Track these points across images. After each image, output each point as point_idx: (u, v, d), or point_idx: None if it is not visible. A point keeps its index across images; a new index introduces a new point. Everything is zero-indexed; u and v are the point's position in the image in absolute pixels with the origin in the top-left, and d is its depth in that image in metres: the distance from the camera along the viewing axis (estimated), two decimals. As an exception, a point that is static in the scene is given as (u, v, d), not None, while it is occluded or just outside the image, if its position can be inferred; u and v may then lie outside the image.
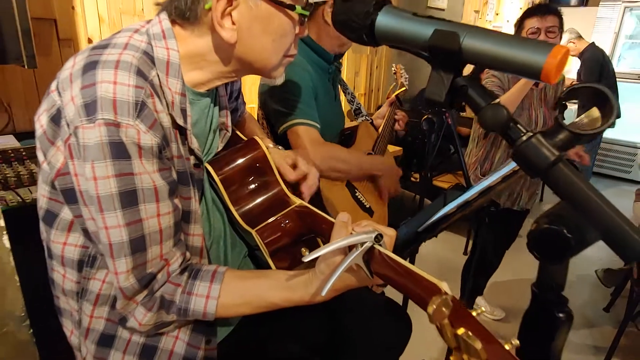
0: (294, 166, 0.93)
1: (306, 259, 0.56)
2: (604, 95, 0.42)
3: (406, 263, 0.52)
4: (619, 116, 4.18)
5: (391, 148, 2.55)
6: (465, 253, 3.06)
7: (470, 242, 3.00)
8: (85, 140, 0.56)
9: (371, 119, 1.66)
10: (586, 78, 4.01)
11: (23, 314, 0.76)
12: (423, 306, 0.46)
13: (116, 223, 0.58)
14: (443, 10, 3.77)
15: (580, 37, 4.03)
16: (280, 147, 0.99)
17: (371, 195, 1.44)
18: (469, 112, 3.23)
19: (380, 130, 1.60)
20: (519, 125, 0.45)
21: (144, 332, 0.67)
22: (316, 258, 0.59)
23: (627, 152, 4.96)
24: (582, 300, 2.59)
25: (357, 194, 1.40)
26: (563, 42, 3.93)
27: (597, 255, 3.12)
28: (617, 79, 5.04)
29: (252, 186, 0.85)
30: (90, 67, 0.58)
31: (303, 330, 0.89)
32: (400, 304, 1.07)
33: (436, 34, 0.48)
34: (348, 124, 1.62)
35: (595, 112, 0.44)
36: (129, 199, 0.58)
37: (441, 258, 2.98)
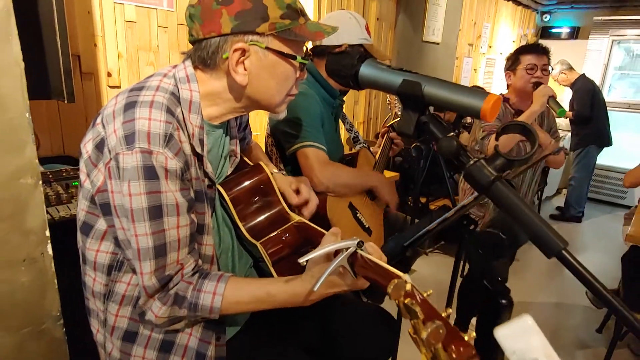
0: (297, 191, 1.07)
1: (302, 260, 0.68)
2: (528, 129, 0.55)
3: (383, 264, 0.64)
4: (610, 144, 4.32)
5: (388, 174, 2.69)
6: (461, 275, 3.14)
7: (467, 266, 3.09)
8: (124, 164, 0.69)
9: (368, 145, 1.80)
10: (579, 107, 4.18)
11: (58, 314, 0.87)
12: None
13: (144, 232, 0.71)
14: (437, 44, 3.98)
15: (571, 68, 4.23)
16: (284, 172, 1.12)
17: (370, 217, 1.57)
18: (462, 140, 3.38)
19: (377, 156, 1.74)
20: (467, 153, 0.58)
21: (159, 324, 0.78)
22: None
23: (621, 178, 5.06)
24: (575, 322, 2.65)
25: (358, 215, 1.52)
26: (555, 72, 4.13)
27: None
28: (608, 108, 5.24)
29: (257, 205, 0.98)
30: (130, 106, 0.72)
31: (300, 332, 0.99)
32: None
33: (404, 83, 0.62)
34: (347, 151, 1.76)
35: (534, 142, 0.57)
36: (156, 212, 0.71)
37: (440, 280, 3.05)
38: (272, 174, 1.03)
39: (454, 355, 0.41)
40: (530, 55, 1.95)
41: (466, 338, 0.42)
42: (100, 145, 0.73)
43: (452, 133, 0.59)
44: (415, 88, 0.60)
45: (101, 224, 0.79)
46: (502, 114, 1.96)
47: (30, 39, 0.78)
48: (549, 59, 1.96)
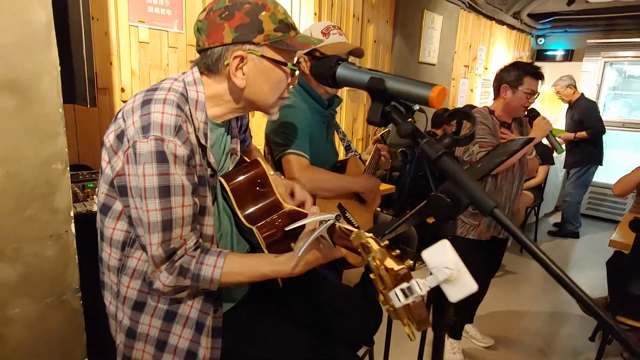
0: (292, 193, 1.19)
1: (288, 228, 0.80)
2: (467, 113, 0.68)
3: (355, 229, 0.76)
4: (600, 163, 4.44)
5: (385, 186, 2.81)
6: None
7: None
8: (141, 150, 0.82)
9: (359, 154, 1.93)
10: (594, 123, 4.27)
11: (77, 287, 0.98)
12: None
13: (154, 207, 0.84)
14: (434, 65, 4.16)
15: (576, 86, 4.40)
16: (280, 175, 1.26)
17: (359, 217, 1.68)
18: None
19: (367, 163, 1.87)
20: (421, 134, 0.71)
21: (165, 292, 0.90)
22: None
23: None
24: (568, 331, 2.71)
25: (347, 215, 1.64)
26: (562, 85, 4.27)
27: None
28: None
29: (254, 195, 1.10)
30: (146, 102, 0.86)
31: (291, 310, 1.10)
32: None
33: (371, 79, 0.75)
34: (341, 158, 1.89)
35: (473, 125, 0.70)
36: (165, 191, 0.84)
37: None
38: (270, 173, 1.16)
39: (392, 273, 0.53)
40: (534, 80, 1.99)
41: (404, 265, 0.54)
42: (120, 136, 0.87)
43: (410, 119, 0.72)
44: (379, 83, 0.74)
45: (118, 205, 0.92)
46: (492, 125, 2.06)
47: (62, 50, 0.93)
48: None
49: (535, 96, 2.04)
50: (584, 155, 4.36)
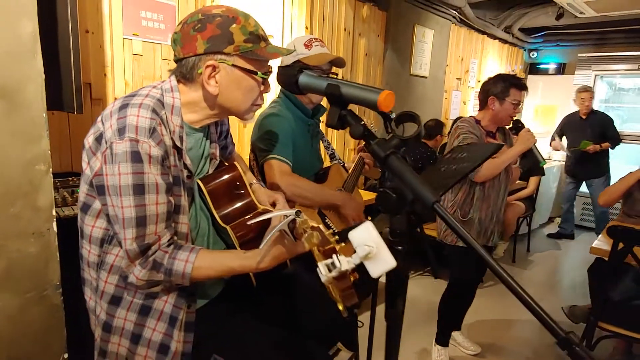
0: (274, 204, 1.25)
1: (251, 222, 0.85)
2: (412, 115, 0.74)
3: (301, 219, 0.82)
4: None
5: (368, 195, 2.86)
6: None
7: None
8: (116, 150, 0.88)
9: (343, 162, 1.99)
10: (615, 132, 4.42)
11: (58, 283, 1.03)
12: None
13: (129, 204, 0.89)
14: (425, 77, 4.25)
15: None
16: (262, 185, 1.31)
17: (338, 222, 1.73)
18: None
19: (350, 171, 1.93)
20: (372, 135, 0.76)
21: (139, 286, 0.95)
22: None
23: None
24: (552, 340, 2.72)
25: (327, 220, 1.69)
26: (586, 95, 4.34)
27: (566, 295, 3.29)
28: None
29: (230, 196, 1.16)
30: (123, 107, 0.92)
31: (264, 307, 1.15)
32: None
33: (328, 86, 0.82)
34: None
35: (413, 126, 0.76)
36: (139, 189, 0.90)
37: (427, 301, 3.15)
38: (251, 184, 1.22)
39: (321, 251, 0.59)
40: (519, 91, 2.09)
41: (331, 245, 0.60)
42: (99, 138, 0.93)
43: (362, 121, 0.78)
44: (335, 89, 0.80)
45: (97, 204, 0.98)
46: (479, 134, 2.13)
47: (50, 60, 1.00)
48: None
49: (518, 105, 2.12)
50: (605, 164, 4.51)
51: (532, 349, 2.62)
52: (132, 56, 2.29)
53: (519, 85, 2.09)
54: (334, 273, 0.58)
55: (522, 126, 2.16)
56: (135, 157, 0.89)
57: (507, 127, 2.27)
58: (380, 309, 0.72)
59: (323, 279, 0.59)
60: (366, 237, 0.58)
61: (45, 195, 0.98)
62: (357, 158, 1.97)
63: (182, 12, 2.40)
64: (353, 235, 0.59)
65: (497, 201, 2.20)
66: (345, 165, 2.00)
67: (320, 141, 1.99)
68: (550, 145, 4.87)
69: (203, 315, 1.05)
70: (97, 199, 0.97)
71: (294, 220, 0.86)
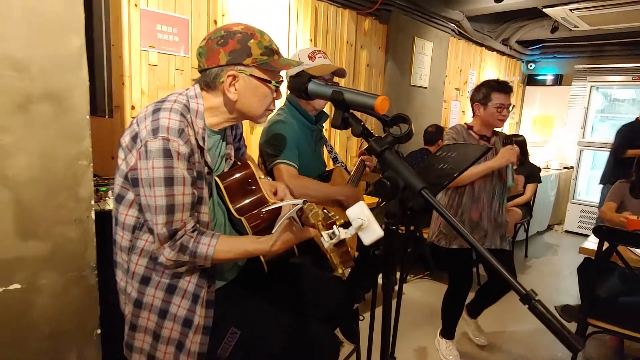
0: (275, 193, 1.39)
1: (265, 209, 0.99)
2: (402, 117, 0.88)
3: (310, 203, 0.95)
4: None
5: (370, 200, 3.00)
6: (447, 298, 3.34)
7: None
8: (151, 147, 1.03)
9: (345, 165, 2.14)
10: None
11: (94, 265, 1.17)
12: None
13: (160, 194, 1.03)
14: (425, 88, 4.41)
15: None
16: (269, 178, 1.46)
17: (342, 216, 1.87)
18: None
19: (352, 173, 2.07)
20: (370, 133, 0.91)
21: (168, 266, 1.08)
22: None
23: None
24: (551, 340, 2.82)
25: (330, 215, 1.83)
26: None
27: (562, 297, 3.39)
28: (592, 149, 5.55)
29: (244, 191, 1.30)
30: (156, 110, 1.07)
31: (275, 290, 1.29)
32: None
33: (333, 92, 0.96)
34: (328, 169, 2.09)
35: (405, 126, 0.90)
36: (169, 181, 1.04)
37: (427, 303, 3.27)
38: (259, 176, 1.36)
39: (324, 224, 0.73)
40: (500, 94, 2.14)
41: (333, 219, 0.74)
42: (134, 137, 1.08)
43: (362, 122, 0.93)
44: (339, 95, 0.95)
45: (130, 195, 1.12)
46: (465, 139, 2.25)
47: (88, 70, 1.15)
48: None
49: (509, 108, 2.19)
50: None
51: (529, 349, 2.72)
52: (148, 66, 2.45)
53: (500, 88, 2.15)
54: (334, 240, 0.72)
55: (510, 143, 2.20)
56: (167, 153, 1.03)
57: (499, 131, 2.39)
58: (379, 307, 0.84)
59: (326, 245, 0.73)
60: (359, 212, 0.73)
61: (85, 187, 1.12)
62: (358, 161, 2.11)
63: (195, 26, 2.56)
64: (349, 211, 0.74)
65: (491, 204, 2.29)
66: (347, 168, 2.14)
67: (324, 146, 2.14)
68: (626, 155, 4.47)
69: (221, 295, 1.19)
70: (131, 191, 1.11)
71: (301, 209, 0.99)
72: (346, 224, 0.81)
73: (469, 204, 2.26)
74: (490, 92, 2.17)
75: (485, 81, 2.26)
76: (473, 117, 2.34)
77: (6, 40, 0.93)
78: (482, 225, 2.29)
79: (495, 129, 2.34)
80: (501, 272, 0.73)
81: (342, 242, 0.76)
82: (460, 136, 2.24)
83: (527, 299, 0.71)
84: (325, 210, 0.84)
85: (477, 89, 2.25)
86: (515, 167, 2.18)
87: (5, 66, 0.93)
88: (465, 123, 2.36)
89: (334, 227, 0.76)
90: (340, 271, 0.75)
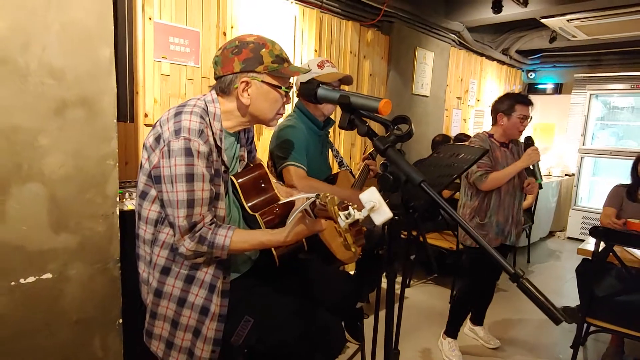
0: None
1: (281, 202, 1.08)
2: (404, 118, 0.97)
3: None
4: None
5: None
6: (450, 301, 3.40)
7: (454, 292, 3.37)
8: (173, 147, 1.12)
9: (350, 169, 2.23)
10: None
11: (118, 258, 1.26)
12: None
13: (182, 189, 1.13)
14: (427, 97, 4.51)
15: None
16: (281, 183, 1.55)
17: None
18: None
19: (357, 176, 2.16)
20: (375, 133, 1.00)
21: (187, 256, 1.17)
22: None
23: (610, 220, 5.34)
24: (552, 340, 2.89)
25: None
26: None
27: (564, 301, 3.44)
28: (592, 156, 5.62)
29: (257, 190, 1.40)
30: (178, 113, 1.17)
31: (285, 282, 1.37)
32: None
33: (340, 97, 1.06)
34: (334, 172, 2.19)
35: (406, 126, 1.00)
36: (190, 177, 1.13)
37: (430, 306, 3.33)
38: (273, 181, 1.46)
39: (339, 208, 0.82)
40: (524, 106, 2.34)
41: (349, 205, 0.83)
42: (158, 138, 1.18)
43: (367, 123, 1.02)
44: (345, 99, 1.04)
45: (153, 192, 1.22)
46: (490, 147, 2.38)
47: (114, 78, 1.25)
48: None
49: (529, 120, 2.37)
50: None
51: (529, 349, 2.78)
52: (161, 76, 2.56)
53: (524, 101, 2.34)
54: (350, 220, 0.82)
55: (532, 144, 2.40)
56: (188, 152, 1.13)
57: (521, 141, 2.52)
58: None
59: (342, 224, 0.83)
60: (371, 196, 0.82)
61: (112, 184, 1.22)
62: (362, 165, 2.21)
63: (205, 37, 2.68)
64: (362, 196, 0.83)
65: (512, 205, 2.44)
66: (352, 172, 2.23)
67: (330, 150, 2.24)
68: None
69: (236, 285, 1.28)
70: (154, 187, 1.21)
71: (313, 202, 1.08)
72: (359, 209, 0.91)
73: (496, 207, 2.39)
74: (514, 103, 2.33)
75: (509, 93, 2.44)
76: (494, 125, 2.48)
77: (46, 51, 1.04)
78: (506, 225, 2.43)
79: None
80: (492, 255, 0.81)
81: (355, 223, 0.86)
82: (485, 143, 2.39)
83: (515, 277, 0.79)
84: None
85: (501, 100, 2.40)
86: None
87: (45, 74, 1.04)
88: (485, 132, 2.48)
89: (349, 208, 0.85)
90: (353, 249, 0.84)
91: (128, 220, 1.41)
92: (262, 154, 2.97)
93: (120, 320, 1.31)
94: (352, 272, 2.46)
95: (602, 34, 4.58)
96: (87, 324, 1.24)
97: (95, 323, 1.26)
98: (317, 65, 1.93)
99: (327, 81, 1.85)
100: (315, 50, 3.34)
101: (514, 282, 0.80)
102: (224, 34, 2.77)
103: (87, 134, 1.17)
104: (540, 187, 4.40)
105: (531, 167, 2.35)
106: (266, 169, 1.44)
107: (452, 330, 2.57)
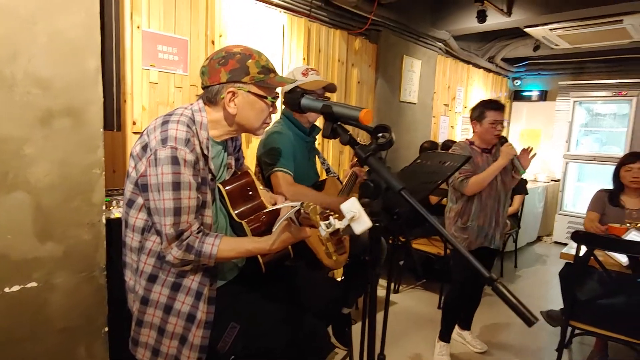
0: (274, 204, 1.50)
1: (267, 210, 1.10)
2: (384, 127, 1.00)
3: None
4: None
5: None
6: (439, 307, 3.43)
7: (442, 297, 3.40)
8: (160, 155, 1.14)
9: (337, 175, 2.26)
10: None
11: (104, 266, 1.27)
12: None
13: (169, 197, 1.14)
14: (414, 104, 4.58)
15: None
16: (267, 189, 1.57)
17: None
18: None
19: (344, 183, 2.19)
20: (356, 141, 1.03)
21: (175, 264, 1.18)
22: None
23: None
24: (538, 344, 2.93)
25: None
26: None
27: (550, 305, 3.50)
28: (577, 162, 5.73)
29: (244, 197, 1.41)
30: (165, 122, 1.18)
31: (272, 289, 1.39)
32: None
33: (323, 106, 1.09)
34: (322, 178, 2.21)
35: (387, 135, 1.02)
36: (177, 186, 1.15)
37: (419, 312, 3.36)
38: (260, 188, 1.47)
39: (321, 217, 0.84)
40: (494, 111, 2.41)
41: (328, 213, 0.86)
42: (145, 147, 1.19)
43: (349, 132, 1.05)
44: (328, 108, 1.07)
45: (140, 200, 1.23)
46: (472, 153, 2.43)
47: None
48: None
49: (502, 124, 2.42)
50: None
51: (515, 352, 2.82)
52: (149, 84, 2.57)
53: (493, 106, 2.42)
54: (330, 229, 0.84)
55: (505, 141, 2.47)
56: (175, 160, 1.14)
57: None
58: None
59: (323, 233, 0.85)
60: (351, 206, 0.84)
61: (98, 193, 1.22)
62: (350, 172, 2.24)
63: (193, 46, 2.70)
64: (343, 206, 0.86)
65: (495, 208, 2.48)
66: (340, 178, 2.26)
67: (317, 157, 2.27)
68: None
69: (222, 292, 1.29)
70: (140, 196, 1.22)
71: (298, 211, 1.11)
72: (340, 219, 0.93)
73: (477, 211, 2.44)
74: (484, 110, 2.43)
75: (480, 101, 2.51)
76: (473, 133, 2.53)
77: (32, 61, 1.05)
78: (487, 229, 2.47)
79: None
80: (469, 258, 0.84)
81: (336, 232, 0.88)
82: (466, 150, 2.45)
83: (490, 280, 0.82)
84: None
85: (474, 108, 2.49)
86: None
87: (31, 84, 1.05)
88: (467, 139, 2.54)
89: (330, 218, 0.87)
90: (334, 258, 0.86)
91: (115, 228, 1.41)
92: (251, 161, 2.99)
93: (106, 329, 1.31)
94: (340, 279, 2.48)
95: (584, 43, 4.70)
96: (72, 333, 1.24)
97: (80, 331, 1.26)
98: (302, 73, 1.96)
99: (311, 89, 1.88)
100: (304, 59, 3.38)
101: (489, 285, 0.83)
102: (213, 42, 2.79)
103: (73, 143, 1.18)
104: (526, 191, 4.51)
105: (512, 163, 2.41)
106: (253, 176, 1.46)
107: (444, 335, 2.61)
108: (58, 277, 1.19)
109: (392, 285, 3.78)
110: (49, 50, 1.10)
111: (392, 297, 3.61)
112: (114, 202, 1.86)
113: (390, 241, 3.56)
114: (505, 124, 2.48)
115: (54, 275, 1.19)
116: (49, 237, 1.17)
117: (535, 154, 2.53)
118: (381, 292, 3.47)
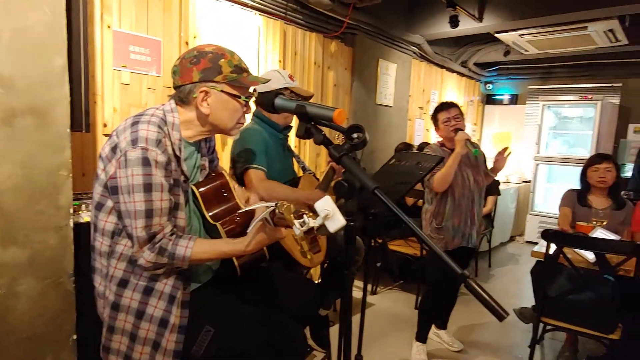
0: (247, 201, 1.49)
1: (241, 210, 1.09)
2: (358, 127, 1.01)
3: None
4: None
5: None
6: (416, 307, 3.47)
7: (419, 298, 3.44)
8: (130, 157, 1.11)
9: (313, 172, 2.26)
10: None
11: (72, 272, 1.22)
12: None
13: (140, 199, 1.11)
14: (390, 107, 4.63)
15: None
16: (242, 188, 1.55)
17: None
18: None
19: (321, 179, 2.19)
20: (330, 142, 1.03)
21: (147, 267, 1.15)
22: None
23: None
24: (511, 341, 3.00)
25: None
26: None
27: (524, 302, 3.59)
28: (546, 163, 5.91)
29: (219, 199, 1.39)
30: (135, 123, 1.16)
31: (247, 291, 1.37)
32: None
33: (296, 107, 1.09)
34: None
35: (361, 135, 1.03)
36: (148, 187, 1.12)
37: (396, 312, 3.38)
38: (234, 187, 1.46)
39: (295, 216, 0.84)
40: (442, 112, 2.53)
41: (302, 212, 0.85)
42: (114, 148, 1.16)
43: (323, 132, 1.05)
44: (302, 109, 1.07)
45: (109, 203, 1.19)
46: (443, 154, 2.47)
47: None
48: (459, 109, 2.52)
49: (455, 119, 2.47)
50: None
51: (491, 350, 2.87)
52: (121, 85, 2.51)
53: (441, 107, 2.55)
54: (304, 228, 0.84)
55: (457, 130, 2.48)
56: (146, 162, 1.12)
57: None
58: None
59: (297, 232, 0.84)
60: (325, 204, 0.84)
61: (65, 196, 1.18)
62: (328, 167, 2.24)
63: (167, 47, 2.66)
64: (317, 204, 0.85)
65: (470, 207, 2.53)
66: (316, 175, 2.26)
67: (293, 158, 2.26)
68: None
69: (196, 295, 1.26)
70: (110, 198, 1.18)
71: (273, 211, 1.10)
72: (314, 217, 0.93)
73: (451, 211, 2.49)
74: (435, 113, 2.57)
75: (435, 106, 2.63)
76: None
77: (-7, 59, 1.01)
78: (463, 228, 2.51)
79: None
80: (442, 257, 0.85)
81: (310, 231, 0.88)
82: (437, 152, 2.50)
83: (462, 277, 0.84)
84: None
85: (431, 117, 2.63)
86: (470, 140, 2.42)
87: (-8, 83, 1.01)
88: (438, 141, 2.61)
89: (304, 217, 0.87)
90: (309, 256, 0.86)
91: (84, 232, 1.37)
92: (227, 163, 2.96)
93: (75, 336, 1.26)
94: (317, 281, 2.48)
95: (551, 49, 4.87)
96: (38, 341, 1.19)
97: (47, 339, 1.21)
98: (289, 76, 1.99)
99: (301, 94, 1.93)
100: (280, 61, 3.37)
101: (461, 282, 0.84)
102: (187, 43, 2.75)
103: (38, 143, 1.13)
104: (499, 192, 4.62)
105: (468, 148, 2.38)
106: (228, 177, 1.44)
107: (420, 335, 2.63)
108: (22, 283, 1.14)
109: (370, 286, 3.79)
110: (12, 47, 1.06)
111: (370, 298, 3.62)
112: (84, 206, 1.80)
113: (368, 242, 3.60)
114: (458, 118, 2.51)
115: (17, 281, 1.14)
116: (12, 241, 1.12)
117: (510, 152, 2.58)
118: (359, 294, 3.48)
